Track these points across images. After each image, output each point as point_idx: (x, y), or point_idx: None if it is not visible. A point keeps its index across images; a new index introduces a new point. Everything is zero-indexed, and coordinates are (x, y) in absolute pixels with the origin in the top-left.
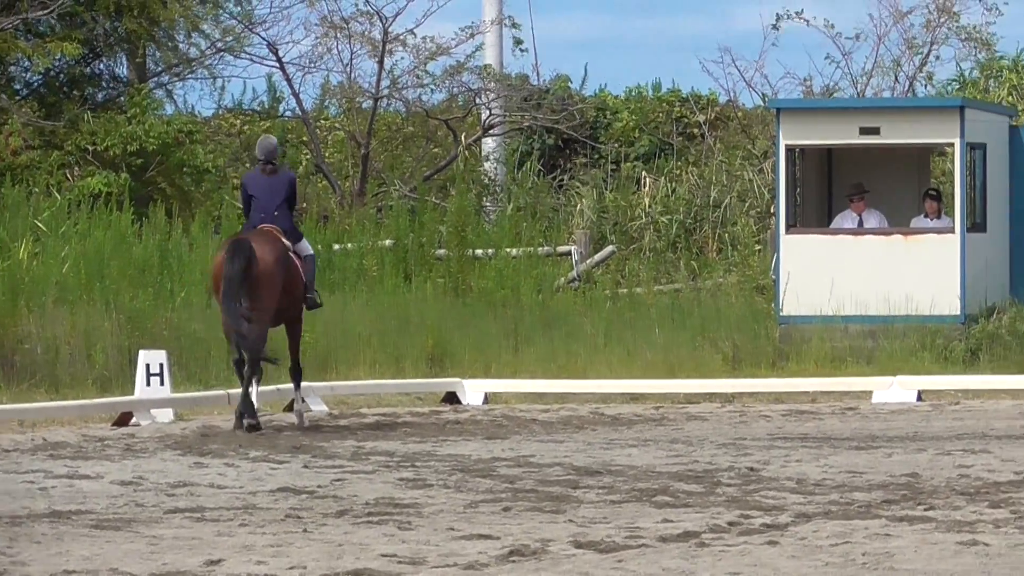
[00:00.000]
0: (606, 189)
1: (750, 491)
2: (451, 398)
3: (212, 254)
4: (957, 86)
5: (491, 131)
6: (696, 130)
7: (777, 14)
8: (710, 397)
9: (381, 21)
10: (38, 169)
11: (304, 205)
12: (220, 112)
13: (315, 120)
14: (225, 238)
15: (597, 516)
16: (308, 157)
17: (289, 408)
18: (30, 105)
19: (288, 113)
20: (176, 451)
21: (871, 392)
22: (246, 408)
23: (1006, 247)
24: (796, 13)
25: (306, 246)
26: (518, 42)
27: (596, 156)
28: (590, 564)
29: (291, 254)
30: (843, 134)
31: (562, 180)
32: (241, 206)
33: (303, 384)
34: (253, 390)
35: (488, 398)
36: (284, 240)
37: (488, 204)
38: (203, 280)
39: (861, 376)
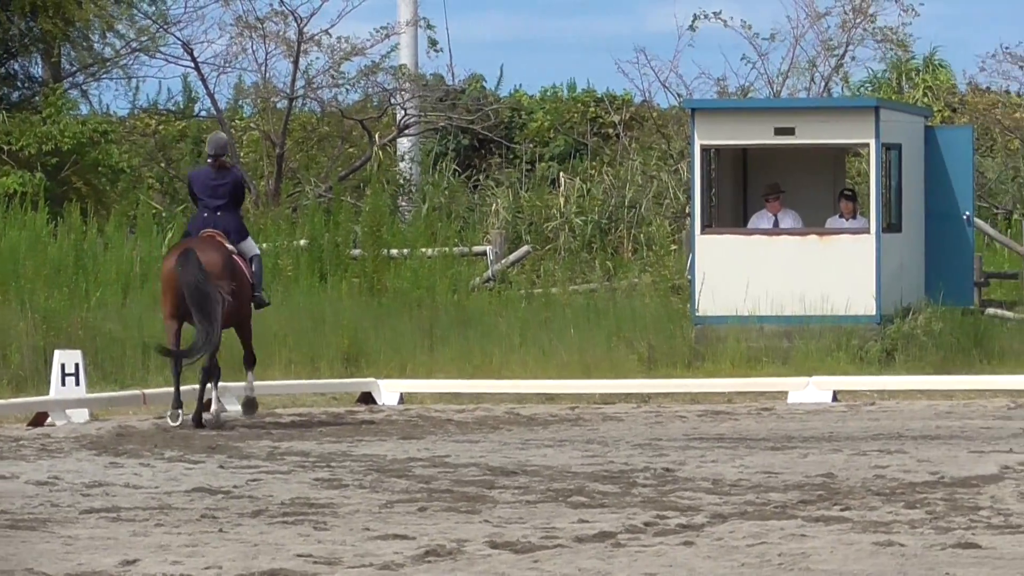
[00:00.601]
0: (521, 189)
1: (666, 491)
2: (366, 398)
3: (127, 255)
4: (872, 87)
5: (406, 131)
6: (611, 130)
7: (694, 14)
8: (626, 397)
9: (296, 21)
10: None
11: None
12: (135, 112)
13: (230, 120)
14: (171, 247)
15: (513, 516)
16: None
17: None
18: None
19: (203, 113)
20: (92, 451)
21: (787, 392)
22: (174, 401)
23: (921, 247)
24: (714, 14)
25: (251, 246)
26: (433, 43)
27: (511, 156)
28: (506, 564)
29: (235, 257)
30: (758, 134)
31: (477, 180)
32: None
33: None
34: (211, 387)
35: (403, 398)
36: (227, 244)
37: (403, 204)
38: (118, 280)
39: (777, 376)
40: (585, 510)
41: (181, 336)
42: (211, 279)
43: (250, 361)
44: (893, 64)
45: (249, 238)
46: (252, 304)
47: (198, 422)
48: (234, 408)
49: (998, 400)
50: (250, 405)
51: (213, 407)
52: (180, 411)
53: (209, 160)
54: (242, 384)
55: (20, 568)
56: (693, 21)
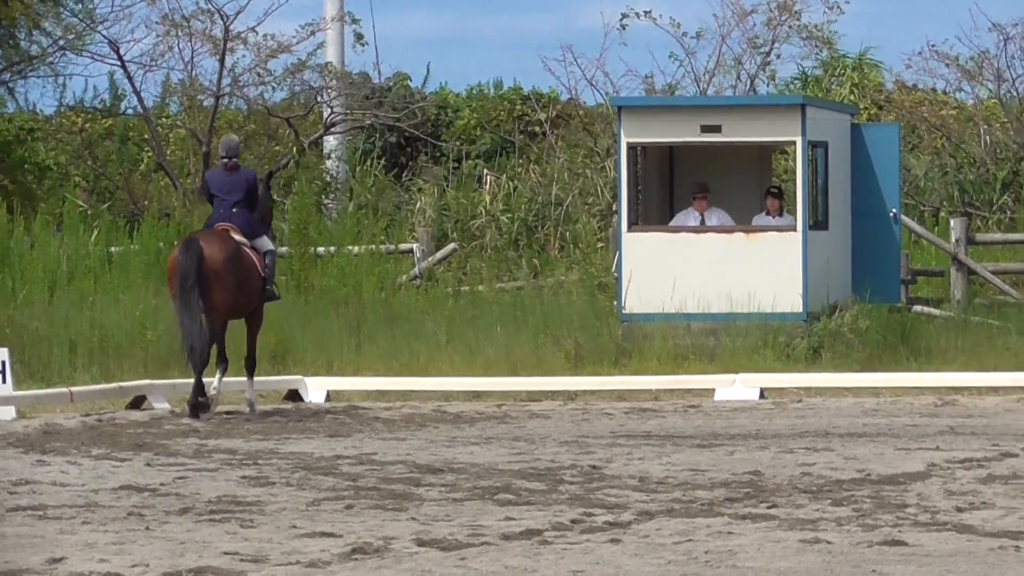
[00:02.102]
0: (448, 187)
1: (593, 489)
2: (293, 396)
3: (54, 252)
4: (799, 84)
5: (332, 129)
6: (538, 128)
7: (623, 13)
8: (552, 395)
9: (222, 19)
10: None
11: (146, 203)
12: (62, 110)
13: (156, 118)
14: (180, 238)
15: (439, 514)
16: (149, 155)
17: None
18: None
19: (130, 111)
20: (18, 449)
21: (713, 390)
22: (196, 390)
23: (848, 245)
24: (644, 12)
25: (265, 242)
26: (359, 36)
27: (438, 154)
28: (432, 562)
29: (246, 250)
30: (685, 132)
31: (404, 178)
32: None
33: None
34: (215, 380)
35: (330, 396)
36: (237, 237)
37: (330, 202)
38: (45, 277)
39: (703, 374)
40: (512, 508)
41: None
42: (208, 275)
43: (251, 365)
44: (823, 61)
45: (264, 236)
46: (263, 298)
47: (198, 411)
48: (161, 405)
49: (925, 397)
50: (251, 407)
51: (247, 395)
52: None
53: (223, 161)
54: (168, 382)
55: None
56: (622, 19)
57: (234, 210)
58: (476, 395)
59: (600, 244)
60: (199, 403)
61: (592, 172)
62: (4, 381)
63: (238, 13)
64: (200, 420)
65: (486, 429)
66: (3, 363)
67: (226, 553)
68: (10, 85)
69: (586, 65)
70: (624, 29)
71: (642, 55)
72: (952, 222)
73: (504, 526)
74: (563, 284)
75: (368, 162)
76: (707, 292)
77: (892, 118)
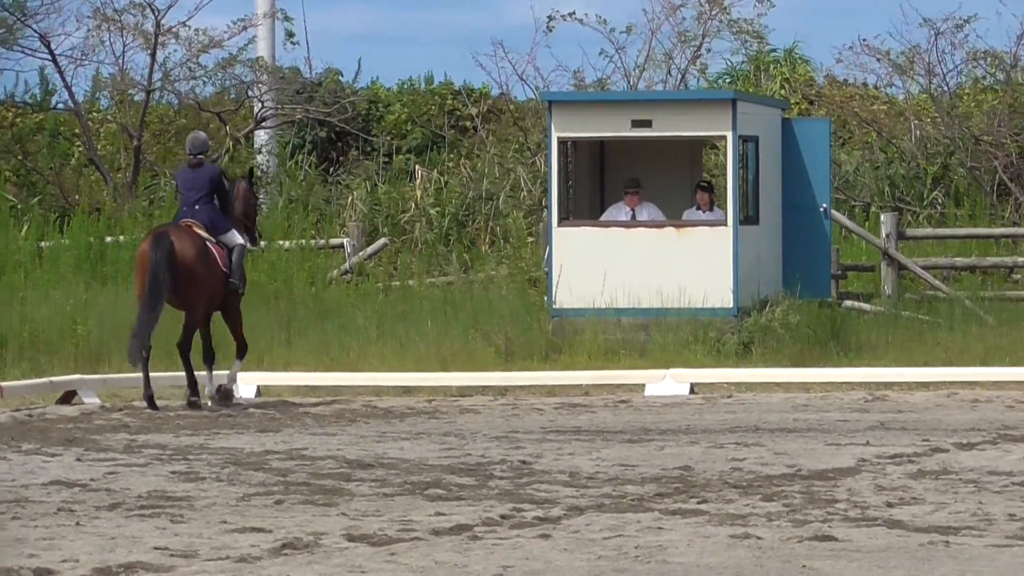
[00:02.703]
0: (378, 181)
1: (523, 484)
2: (153, 397)
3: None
4: (729, 79)
5: (263, 124)
6: (468, 123)
7: (549, 15)
8: (483, 390)
9: (153, 13)
10: None
11: (77, 197)
12: None
13: (87, 112)
14: (147, 233)
15: (370, 509)
16: (80, 149)
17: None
18: None
19: (60, 105)
20: None
21: (644, 385)
22: (190, 386)
23: (779, 240)
24: (569, 14)
25: (233, 237)
26: (290, 34)
27: (368, 149)
28: (363, 557)
29: (210, 245)
30: (615, 126)
31: (334, 173)
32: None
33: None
34: (207, 373)
35: (260, 391)
36: (202, 233)
37: (260, 196)
38: None
39: (634, 369)
40: (442, 503)
41: (158, 320)
42: (178, 268)
43: (240, 350)
44: (753, 56)
45: (232, 231)
46: (231, 291)
47: (195, 405)
48: (91, 400)
49: (855, 393)
50: (226, 396)
51: (228, 384)
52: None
53: (188, 157)
54: (99, 377)
55: None
56: (549, 21)
57: (197, 206)
58: (406, 390)
59: (531, 239)
60: (151, 395)
61: (523, 167)
62: None
63: (169, 7)
64: (158, 409)
65: (416, 424)
66: None
67: (156, 548)
68: None
69: (517, 60)
70: (551, 31)
71: (572, 50)
72: (883, 217)
73: (434, 521)
74: (493, 279)
75: (299, 157)
76: (638, 287)
77: (823, 113)
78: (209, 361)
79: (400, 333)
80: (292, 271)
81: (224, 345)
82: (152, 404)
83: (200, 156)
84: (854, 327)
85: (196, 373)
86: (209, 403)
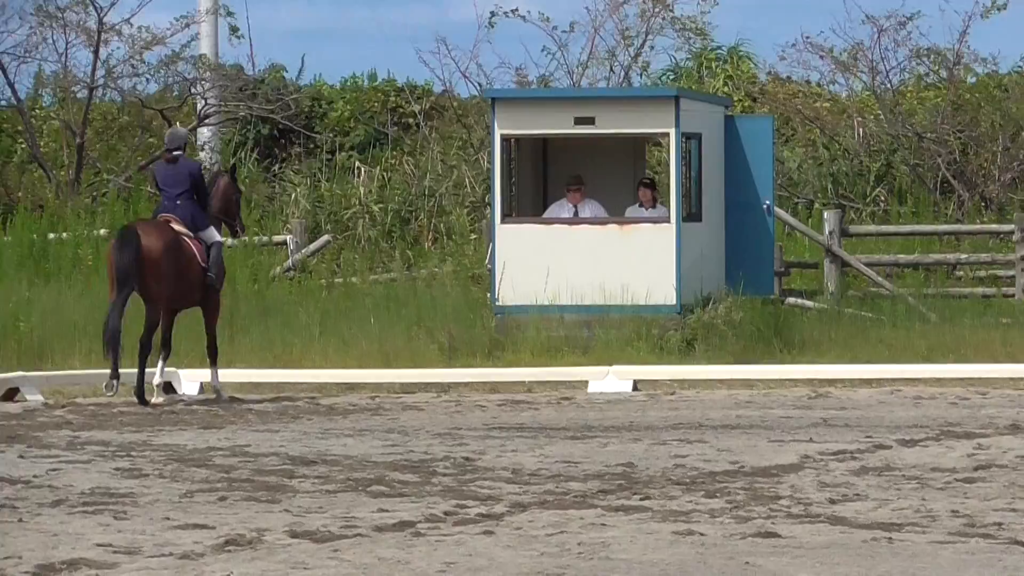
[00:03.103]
0: (322, 179)
1: (466, 481)
2: (166, 388)
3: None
4: (672, 76)
5: (206, 121)
6: (412, 120)
7: (491, 12)
8: (426, 387)
9: (96, 11)
10: None
11: (20, 195)
12: None
13: (30, 110)
14: (116, 229)
15: (313, 506)
16: (23, 147)
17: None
18: None
19: (3, 102)
20: None
21: (587, 382)
22: (138, 384)
23: (722, 237)
24: (512, 11)
25: (212, 234)
26: (234, 29)
27: (311, 146)
28: (306, 554)
29: (187, 240)
30: (558, 123)
31: (277, 170)
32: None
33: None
34: (157, 368)
35: (203, 388)
36: (177, 227)
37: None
38: None
39: (577, 366)
40: (385, 499)
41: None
42: (144, 263)
43: (212, 353)
44: (696, 53)
45: (211, 227)
46: (209, 287)
47: (140, 398)
48: (34, 397)
49: (798, 389)
50: (219, 401)
51: (212, 383)
52: (116, 382)
53: (166, 153)
54: (42, 374)
55: None
56: (492, 18)
57: (178, 202)
58: (350, 387)
59: (473, 236)
60: (144, 390)
61: (466, 164)
62: None
63: (112, 5)
64: (149, 406)
65: (359, 421)
66: None
67: (99, 545)
68: None
69: (460, 57)
70: (493, 27)
71: (515, 47)
72: (826, 214)
73: (377, 518)
74: (437, 276)
75: (242, 154)
76: (581, 284)
77: (766, 110)
78: (164, 354)
79: (343, 330)
80: (235, 268)
81: (181, 342)
82: (110, 388)
83: (177, 152)
84: (797, 324)
85: (148, 369)
86: (156, 399)
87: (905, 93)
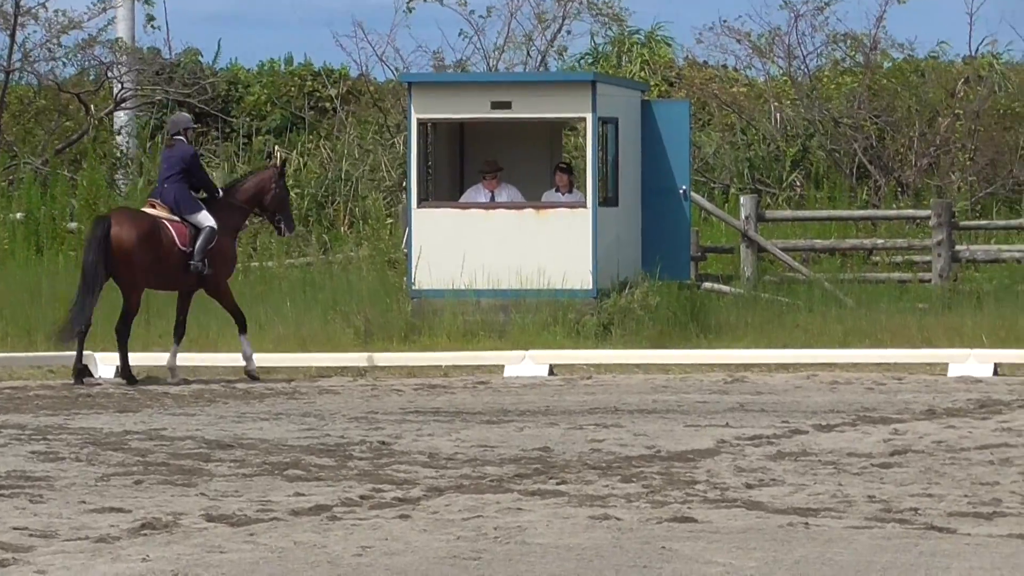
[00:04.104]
0: (238, 163)
1: (382, 465)
2: (83, 372)
3: None
4: (589, 61)
5: (123, 104)
6: (328, 104)
7: None
8: (342, 371)
9: None
10: None
11: None
12: None
13: None
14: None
15: (229, 489)
16: None
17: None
18: None
19: None
20: None
21: (503, 366)
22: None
23: (638, 222)
24: None
25: (204, 218)
26: (150, 18)
27: (228, 130)
28: (222, 537)
29: (165, 224)
30: (475, 108)
31: None
32: None
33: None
34: (174, 347)
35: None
36: (158, 212)
37: (120, 177)
38: None
39: (493, 350)
40: (301, 483)
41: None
42: (113, 251)
43: (240, 324)
44: (613, 38)
45: (203, 212)
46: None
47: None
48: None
49: (714, 374)
50: (253, 378)
51: (243, 351)
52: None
53: (168, 138)
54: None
55: None
56: (409, 2)
57: (165, 185)
58: (265, 371)
59: (390, 220)
60: (81, 369)
61: (382, 148)
62: None
63: None
64: (84, 386)
65: (275, 405)
66: None
67: (15, 528)
68: None
69: (376, 41)
70: (411, 12)
71: (432, 31)
72: (742, 199)
73: (293, 502)
74: (353, 260)
75: (158, 137)
76: (497, 268)
77: (683, 95)
78: (177, 336)
79: (259, 314)
80: None
81: (98, 325)
82: (80, 379)
83: (178, 137)
84: (713, 309)
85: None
86: (170, 379)
87: (822, 78)
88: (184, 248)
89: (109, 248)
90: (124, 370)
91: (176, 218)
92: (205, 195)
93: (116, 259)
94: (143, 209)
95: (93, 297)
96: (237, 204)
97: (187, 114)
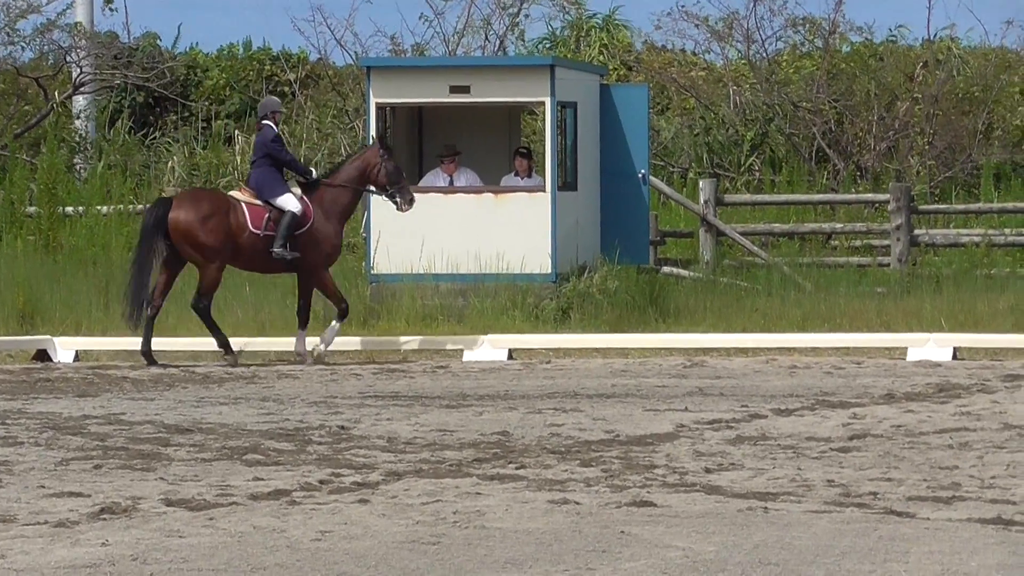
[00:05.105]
0: (197, 147)
1: (341, 449)
2: (42, 355)
3: None
4: (548, 45)
5: (82, 89)
6: (287, 88)
7: None
8: (282, 356)
9: None
10: None
11: None
12: None
13: None
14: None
15: (188, 474)
16: None
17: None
18: None
19: None
20: None
21: (462, 350)
22: (221, 345)
23: (597, 206)
24: None
25: (285, 201)
26: (108, 2)
27: (187, 114)
28: (181, 522)
29: (241, 206)
30: (434, 92)
31: (153, 138)
32: None
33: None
34: (300, 337)
35: (79, 355)
36: (239, 196)
37: (79, 162)
38: None
39: (452, 335)
40: (260, 468)
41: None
42: (170, 232)
43: (301, 317)
44: (572, 22)
45: (287, 195)
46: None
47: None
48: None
49: (673, 358)
50: (317, 360)
51: (295, 347)
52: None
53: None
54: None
55: None
56: None
57: (251, 169)
58: (221, 355)
59: None
60: (146, 352)
61: (341, 132)
62: None
63: None
64: (157, 366)
65: (235, 389)
66: None
67: None
68: None
69: (335, 25)
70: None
71: (391, 15)
72: (701, 183)
73: (252, 486)
74: None
75: (117, 122)
76: (456, 253)
77: (641, 79)
78: (302, 321)
79: (218, 298)
80: (110, 236)
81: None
82: (151, 361)
83: (264, 121)
84: (672, 293)
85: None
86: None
87: (781, 62)
88: (257, 231)
89: (162, 231)
90: (222, 345)
91: (257, 202)
92: (305, 179)
93: (176, 240)
94: (231, 192)
95: (140, 280)
96: (340, 187)
97: (275, 98)
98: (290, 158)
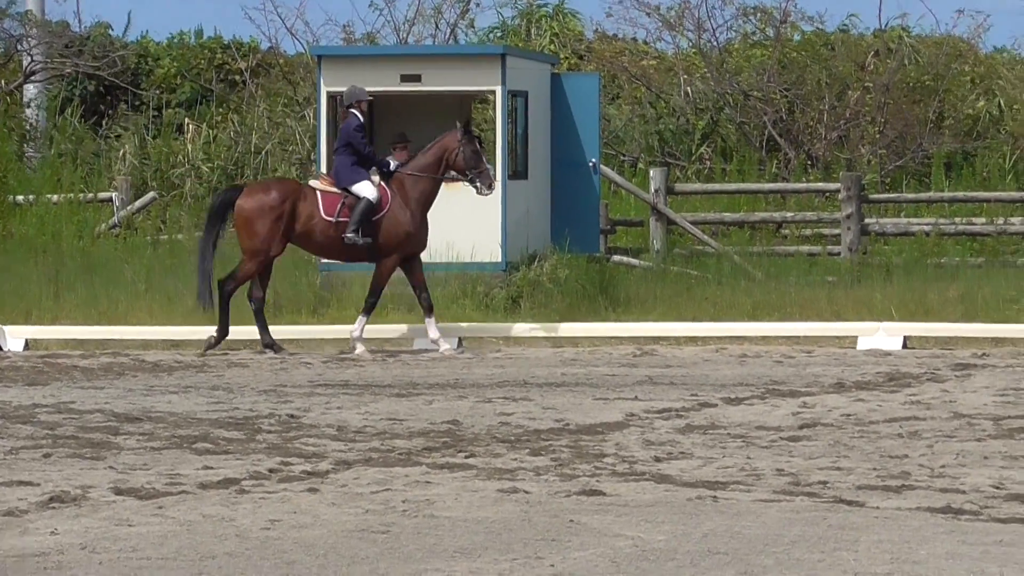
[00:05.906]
0: (148, 135)
1: (291, 438)
2: (270, 345)
3: None
4: (499, 34)
5: (32, 77)
6: (238, 77)
7: None
8: (251, 344)
9: None
10: None
11: None
12: None
13: None
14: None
15: (137, 463)
16: None
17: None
18: None
19: None
20: None
21: (412, 339)
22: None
23: (548, 195)
24: None
25: (361, 188)
26: None
27: (138, 103)
28: (130, 511)
29: (315, 195)
30: (384, 81)
31: (104, 127)
32: None
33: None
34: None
35: (29, 344)
36: (316, 184)
37: (30, 150)
38: None
39: (403, 323)
40: (210, 457)
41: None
42: (234, 218)
43: (369, 304)
44: (523, 11)
45: (364, 182)
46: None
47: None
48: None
49: (623, 347)
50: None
51: (353, 333)
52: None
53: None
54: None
55: None
56: None
57: (334, 158)
58: (174, 344)
59: None
60: (269, 343)
61: (292, 121)
62: None
63: None
64: (275, 351)
65: (184, 378)
66: None
67: None
68: None
69: (286, 14)
70: None
71: (342, 4)
72: (651, 172)
73: (202, 475)
74: None
75: (68, 111)
76: None
77: (592, 68)
78: (367, 308)
79: (168, 287)
80: (60, 225)
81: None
82: (275, 349)
83: (350, 109)
84: (623, 282)
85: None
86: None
87: (732, 51)
88: (329, 218)
89: (224, 217)
90: (218, 334)
91: (333, 189)
92: (382, 171)
93: (235, 226)
94: (311, 181)
95: (204, 265)
96: (417, 175)
97: (361, 86)
98: (369, 151)
